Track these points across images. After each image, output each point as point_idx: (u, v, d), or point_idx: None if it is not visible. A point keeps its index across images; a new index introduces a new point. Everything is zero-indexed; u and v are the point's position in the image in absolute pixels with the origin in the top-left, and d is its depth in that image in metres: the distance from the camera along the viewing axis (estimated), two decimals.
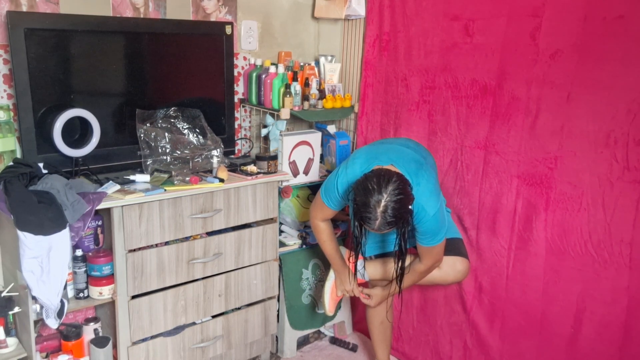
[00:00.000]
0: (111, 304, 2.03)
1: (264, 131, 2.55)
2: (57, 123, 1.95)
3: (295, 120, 2.63)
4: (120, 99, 2.21)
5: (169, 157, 2.15)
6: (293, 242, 2.54)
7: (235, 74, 2.58)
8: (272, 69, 2.47)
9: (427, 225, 1.88)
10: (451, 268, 2.10)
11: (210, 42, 2.41)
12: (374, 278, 2.21)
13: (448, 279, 2.13)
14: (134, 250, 1.97)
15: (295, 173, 2.48)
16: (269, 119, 2.50)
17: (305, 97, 2.47)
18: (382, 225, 1.74)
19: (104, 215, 2.04)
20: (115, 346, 2.06)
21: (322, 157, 2.68)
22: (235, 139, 2.61)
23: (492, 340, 2.18)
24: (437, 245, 1.96)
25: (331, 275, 2.28)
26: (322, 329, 2.75)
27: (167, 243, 2.07)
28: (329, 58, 2.70)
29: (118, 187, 1.94)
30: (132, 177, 2.06)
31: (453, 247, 2.11)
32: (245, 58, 2.65)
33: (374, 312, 2.32)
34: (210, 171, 2.22)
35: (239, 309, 2.34)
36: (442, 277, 2.12)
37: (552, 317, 1.97)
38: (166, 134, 2.17)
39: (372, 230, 1.78)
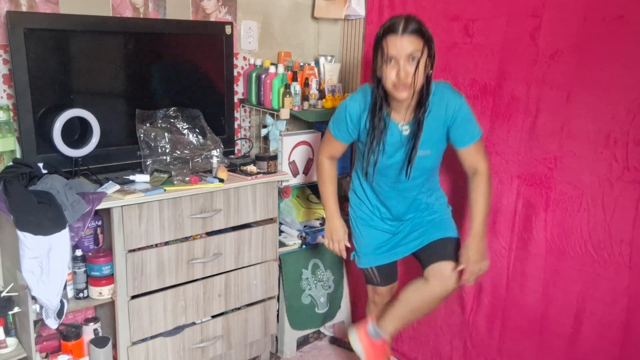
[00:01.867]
0: (111, 304, 2.03)
1: (263, 131, 2.55)
2: (57, 123, 1.95)
3: (295, 120, 2.63)
4: (120, 99, 2.21)
5: (168, 157, 2.15)
6: (293, 242, 2.54)
7: (235, 74, 2.58)
8: (272, 69, 2.47)
9: (465, 110, 1.78)
10: (443, 277, 1.85)
11: (210, 42, 2.41)
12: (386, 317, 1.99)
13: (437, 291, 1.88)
14: (134, 250, 1.97)
15: (295, 173, 2.48)
16: (269, 119, 2.50)
17: (305, 97, 2.47)
18: (406, 28, 1.63)
19: (104, 216, 2.04)
20: (115, 346, 2.06)
21: None
22: (235, 139, 2.61)
23: (492, 340, 2.18)
24: (481, 136, 1.85)
25: (352, 331, 2.06)
26: (321, 329, 2.75)
27: (167, 243, 2.07)
28: (329, 58, 2.70)
29: (118, 187, 1.94)
30: (131, 177, 2.06)
31: (453, 251, 1.90)
32: (245, 58, 2.65)
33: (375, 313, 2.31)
34: (210, 171, 2.22)
35: (238, 309, 2.34)
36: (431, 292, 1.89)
37: (552, 317, 1.97)
38: (166, 134, 2.17)
39: (394, 40, 1.64)
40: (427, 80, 1.73)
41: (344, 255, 2.09)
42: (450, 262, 1.85)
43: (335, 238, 2.08)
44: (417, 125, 1.78)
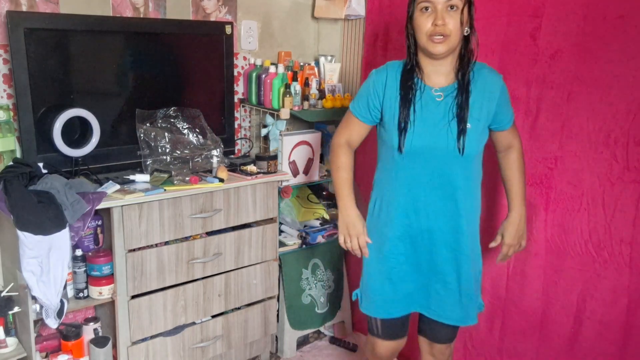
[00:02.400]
0: (111, 304, 2.03)
1: (263, 131, 2.55)
2: (57, 123, 1.95)
3: (295, 120, 2.63)
4: (120, 99, 2.21)
5: (168, 157, 2.15)
6: (293, 242, 2.54)
7: (235, 74, 2.58)
8: (272, 69, 2.47)
9: (506, 90, 1.65)
10: None
11: (210, 42, 2.40)
12: None
13: None
14: (134, 250, 1.97)
15: (295, 173, 2.48)
16: (269, 119, 2.50)
17: (305, 97, 2.47)
18: None
19: (104, 215, 2.04)
20: (115, 346, 2.06)
21: (322, 157, 2.68)
22: (235, 138, 2.61)
23: (492, 340, 2.18)
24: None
25: None
26: (321, 329, 2.75)
27: (167, 243, 2.07)
28: (329, 58, 2.70)
29: (118, 187, 1.94)
30: (132, 177, 2.06)
31: (456, 333, 1.82)
32: (245, 58, 2.65)
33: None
34: (210, 171, 2.22)
35: (238, 309, 2.34)
36: None
37: (552, 317, 1.97)
38: (166, 133, 2.17)
39: None
40: (466, 43, 1.58)
41: (366, 252, 1.74)
42: (448, 346, 1.82)
43: (354, 232, 1.72)
44: (460, 87, 1.59)
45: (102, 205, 1.83)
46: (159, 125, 2.20)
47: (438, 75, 1.61)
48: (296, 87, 2.43)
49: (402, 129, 1.59)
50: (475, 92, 1.59)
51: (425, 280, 1.73)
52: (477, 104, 1.59)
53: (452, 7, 1.50)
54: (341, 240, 1.76)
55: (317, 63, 2.67)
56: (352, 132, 1.74)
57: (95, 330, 2.10)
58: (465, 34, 1.56)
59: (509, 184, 1.77)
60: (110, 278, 1.97)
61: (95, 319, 2.13)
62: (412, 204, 1.67)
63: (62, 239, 1.76)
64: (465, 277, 1.70)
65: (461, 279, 1.70)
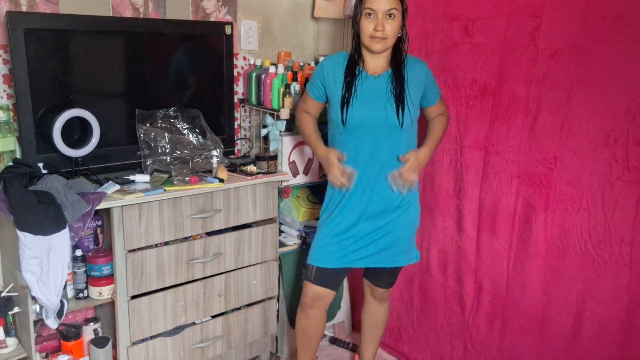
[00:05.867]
0: (111, 304, 2.03)
1: (263, 131, 2.55)
2: (57, 123, 1.95)
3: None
4: (120, 99, 2.21)
5: (168, 157, 2.15)
6: (293, 242, 2.54)
7: (235, 74, 2.58)
8: (272, 69, 2.47)
9: (430, 72, 2.03)
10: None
11: (210, 42, 2.41)
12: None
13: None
14: (134, 250, 1.97)
15: (295, 173, 2.48)
16: (269, 119, 2.50)
17: None
18: None
19: (104, 216, 2.04)
20: (115, 346, 2.06)
21: None
22: (235, 139, 2.61)
23: (492, 340, 2.18)
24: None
25: None
26: None
27: (166, 243, 2.07)
28: None
29: (118, 187, 1.94)
30: (131, 177, 2.06)
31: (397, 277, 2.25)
32: (245, 58, 2.65)
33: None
34: (210, 171, 2.22)
35: (238, 309, 2.34)
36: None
37: (552, 317, 1.97)
38: (166, 134, 2.17)
39: None
40: (399, 42, 1.95)
41: (347, 178, 1.96)
42: (387, 290, 2.24)
43: (331, 165, 1.98)
44: (395, 72, 1.94)
45: (102, 205, 1.84)
46: (159, 125, 2.20)
47: (376, 65, 1.96)
48: (296, 87, 2.43)
49: (344, 104, 1.92)
50: (406, 77, 1.95)
51: (368, 236, 2.01)
52: (407, 85, 1.95)
53: (390, 15, 1.87)
54: (333, 181, 2.00)
55: (317, 63, 2.67)
56: (308, 106, 2.10)
57: (95, 330, 2.10)
58: (399, 35, 1.93)
59: (429, 131, 2.08)
60: (110, 278, 1.97)
61: (95, 319, 2.13)
62: (357, 173, 1.97)
63: (62, 239, 1.76)
64: (403, 229, 2.04)
65: (399, 231, 2.03)
